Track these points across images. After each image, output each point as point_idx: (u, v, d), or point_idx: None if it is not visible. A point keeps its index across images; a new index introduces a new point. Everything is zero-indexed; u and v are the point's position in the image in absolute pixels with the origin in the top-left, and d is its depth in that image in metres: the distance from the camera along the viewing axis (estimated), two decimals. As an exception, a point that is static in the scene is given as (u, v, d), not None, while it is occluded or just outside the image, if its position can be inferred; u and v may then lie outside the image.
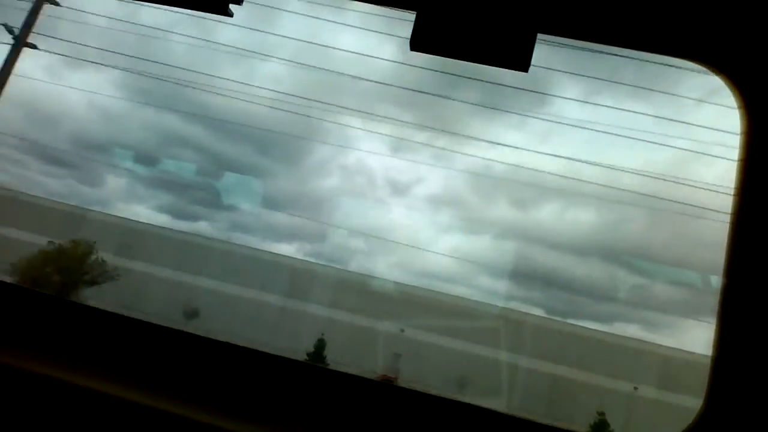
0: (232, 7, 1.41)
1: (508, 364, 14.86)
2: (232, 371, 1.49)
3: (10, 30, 14.91)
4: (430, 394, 1.43)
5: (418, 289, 16.56)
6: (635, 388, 15.13)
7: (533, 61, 1.27)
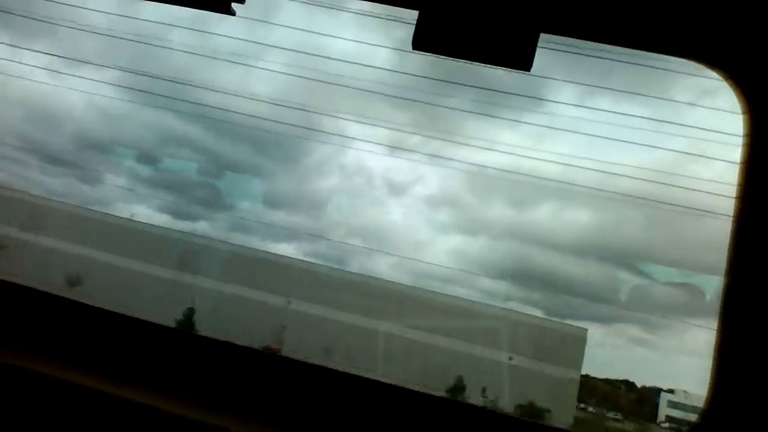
0: (234, 5, 1.41)
1: (384, 333, 15.58)
2: (232, 371, 1.49)
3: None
4: (431, 395, 1.43)
5: (308, 263, 17.37)
6: (510, 359, 15.91)
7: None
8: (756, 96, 1.27)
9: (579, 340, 16.44)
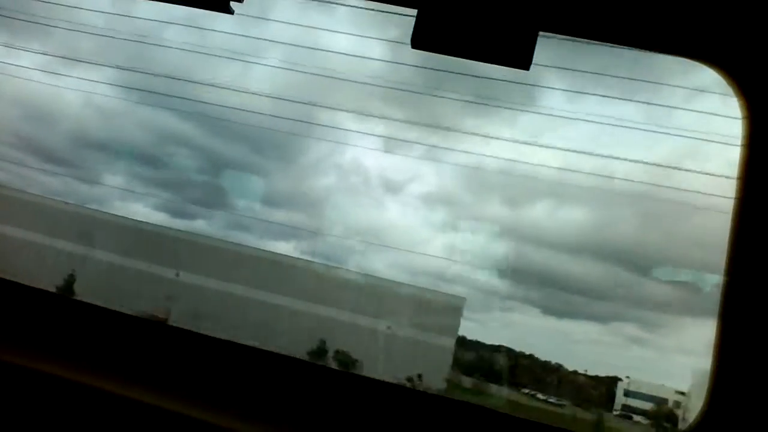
0: (233, 4, 1.40)
1: (258, 301, 16.48)
2: (232, 370, 1.49)
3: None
4: (432, 394, 1.43)
5: (197, 236, 18.30)
6: (388, 327, 16.65)
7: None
8: (755, 95, 1.27)
9: (455, 309, 17.28)
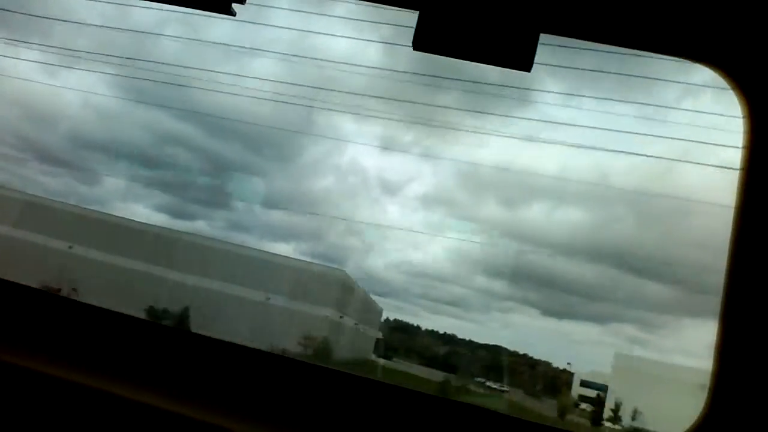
0: (234, 6, 1.40)
1: (154, 276, 17.50)
2: (232, 370, 1.49)
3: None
4: (431, 394, 1.43)
5: (92, 212, 19.47)
6: (268, 299, 17.87)
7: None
8: (756, 95, 1.27)
9: (337, 281, 18.85)
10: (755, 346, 1.20)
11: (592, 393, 19.39)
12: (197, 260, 18.52)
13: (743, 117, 1.28)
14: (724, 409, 1.22)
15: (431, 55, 1.35)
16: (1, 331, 1.59)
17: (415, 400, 1.40)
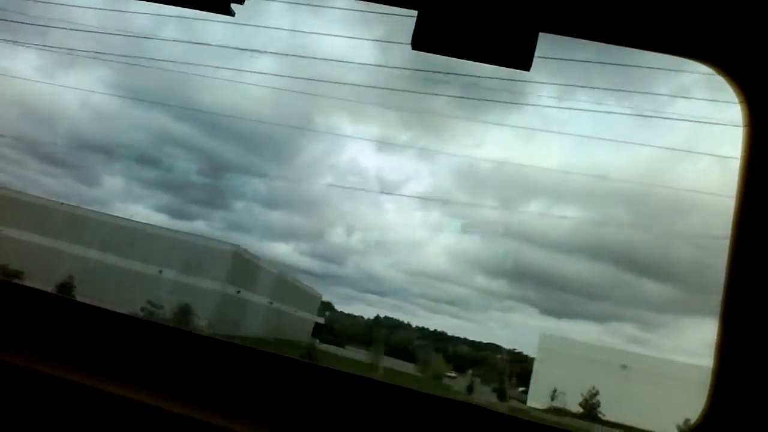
0: (233, 6, 1.40)
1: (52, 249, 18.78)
2: (231, 371, 1.49)
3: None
4: (430, 394, 1.43)
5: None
6: (160, 272, 19.04)
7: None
8: (756, 95, 1.27)
9: (225, 254, 19.69)
10: (755, 344, 1.20)
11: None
12: (92, 233, 19.40)
13: (743, 116, 1.28)
14: (724, 408, 1.22)
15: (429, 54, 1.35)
16: (2, 331, 1.59)
17: (415, 400, 1.40)
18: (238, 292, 20.07)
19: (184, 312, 17.27)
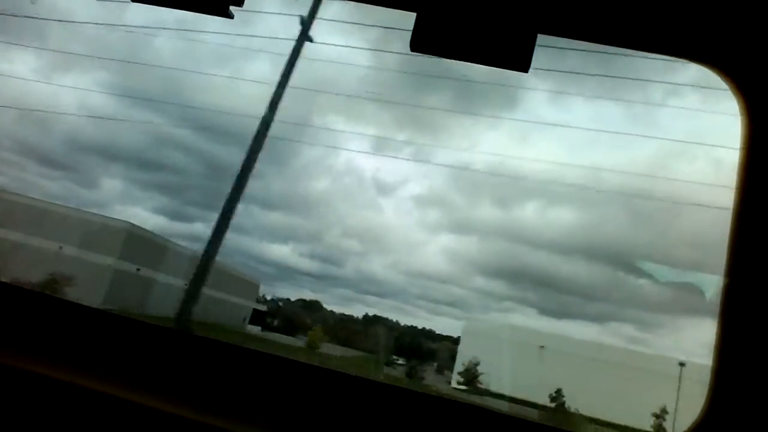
0: (232, 8, 1.40)
1: None
2: (231, 372, 1.49)
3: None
4: (430, 394, 1.43)
5: None
6: (60, 248, 19.55)
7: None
8: (755, 95, 1.27)
9: (120, 232, 20.32)
10: (755, 344, 1.20)
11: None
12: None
13: (741, 117, 1.28)
14: (723, 408, 1.23)
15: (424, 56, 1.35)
16: (1, 333, 1.59)
17: (415, 400, 1.40)
18: (138, 269, 20.56)
19: (64, 282, 17.66)
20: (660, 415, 18.06)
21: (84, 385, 1.41)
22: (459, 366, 22.80)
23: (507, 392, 19.67)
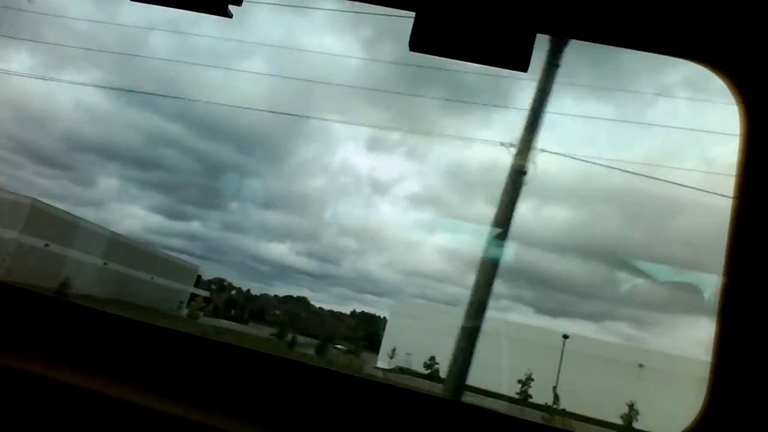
0: (231, 8, 1.40)
1: None
2: (231, 372, 1.48)
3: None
4: (430, 394, 1.43)
5: None
6: None
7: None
8: (754, 95, 1.28)
9: (22, 206, 20.62)
10: (754, 344, 1.21)
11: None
12: None
13: (740, 116, 1.29)
14: (722, 408, 1.23)
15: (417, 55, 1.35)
16: (1, 333, 1.58)
17: (415, 400, 1.40)
18: (47, 245, 20.87)
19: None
20: (525, 382, 20.01)
21: (82, 385, 1.40)
22: (386, 348, 24.17)
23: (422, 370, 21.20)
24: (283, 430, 1.40)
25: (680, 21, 1.26)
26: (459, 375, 11.03)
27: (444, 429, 1.38)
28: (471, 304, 11.21)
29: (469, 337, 11.02)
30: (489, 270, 11.21)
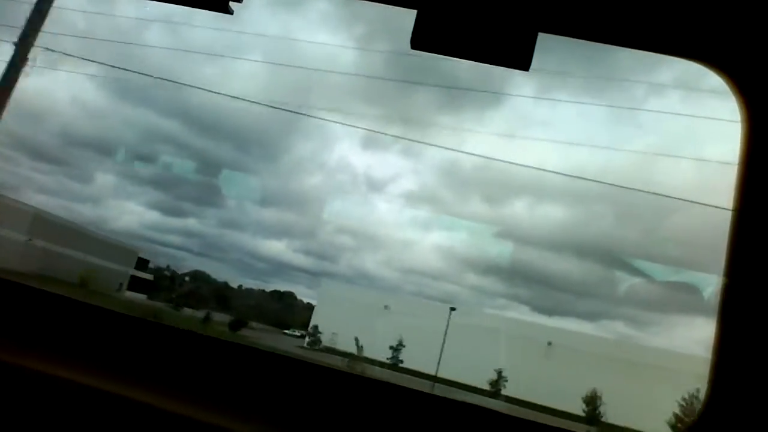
0: (232, 4, 1.39)
1: None
2: (232, 370, 1.48)
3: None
4: (432, 395, 1.43)
5: None
6: None
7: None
8: (755, 96, 1.28)
9: None
10: (754, 344, 1.21)
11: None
12: None
13: (741, 116, 1.29)
14: (722, 408, 1.23)
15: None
16: (3, 330, 1.58)
17: (415, 399, 1.40)
18: None
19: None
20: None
21: (84, 382, 1.40)
22: (312, 327, 27.52)
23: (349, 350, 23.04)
24: (283, 427, 1.40)
25: (681, 20, 1.27)
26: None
27: (444, 428, 1.38)
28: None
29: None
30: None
